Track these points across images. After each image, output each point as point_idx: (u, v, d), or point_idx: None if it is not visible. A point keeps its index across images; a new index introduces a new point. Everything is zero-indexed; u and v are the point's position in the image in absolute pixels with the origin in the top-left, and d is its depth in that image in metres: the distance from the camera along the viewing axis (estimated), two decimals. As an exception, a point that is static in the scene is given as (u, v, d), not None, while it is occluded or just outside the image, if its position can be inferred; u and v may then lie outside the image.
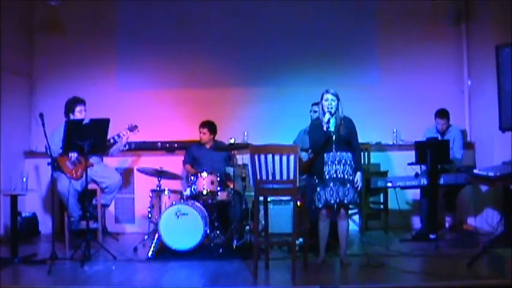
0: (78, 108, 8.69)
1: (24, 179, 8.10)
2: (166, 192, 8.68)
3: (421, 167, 9.05)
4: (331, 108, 7.24)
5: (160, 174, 8.77)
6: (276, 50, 10.43)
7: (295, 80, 10.29)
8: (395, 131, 10.13)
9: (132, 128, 8.92)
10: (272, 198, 8.05)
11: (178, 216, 8.20)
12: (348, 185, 7.24)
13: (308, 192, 7.65)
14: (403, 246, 8.43)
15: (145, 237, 8.81)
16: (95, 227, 8.68)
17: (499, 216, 8.82)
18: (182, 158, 9.73)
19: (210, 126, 9.55)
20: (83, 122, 8.06)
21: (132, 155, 10.29)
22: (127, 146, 9.15)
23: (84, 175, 8.11)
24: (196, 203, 8.49)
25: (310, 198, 7.51)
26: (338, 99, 7.30)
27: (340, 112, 7.33)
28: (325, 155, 7.28)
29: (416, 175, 8.95)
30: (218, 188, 8.64)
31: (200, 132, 9.56)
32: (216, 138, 9.64)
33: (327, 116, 7.23)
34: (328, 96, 7.28)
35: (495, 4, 9.18)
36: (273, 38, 10.47)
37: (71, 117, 8.63)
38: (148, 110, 10.28)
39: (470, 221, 9.93)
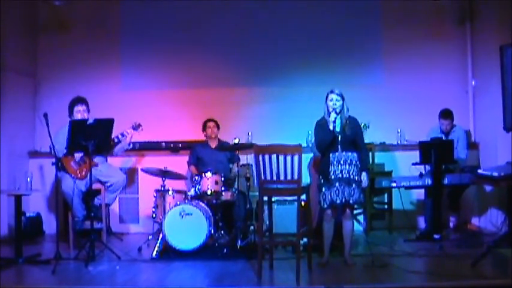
0: (76, 109, 8.63)
1: (28, 179, 8.15)
2: (170, 192, 8.69)
3: (425, 167, 9.04)
4: (337, 107, 7.25)
5: (164, 174, 8.77)
6: (280, 50, 10.44)
7: (299, 80, 10.29)
8: (399, 131, 10.13)
9: (136, 127, 8.89)
10: (276, 198, 8.05)
11: (182, 216, 8.21)
12: (354, 185, 7.25)
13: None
14: (408, 246, 8.43)
15: (150, 237, 8.83)
16: (99, 227, 8.66)
17: (503, 217, 8.80)
18: (186, 157, 9.73)
19: (216, 121, 9.58)
20: (87, 122, 8.07)
21: (136, 155, 10.30)
22: (131, 145, 9.13)
23: (88, 175, 8.11)
24: (201, 203, 8.50)
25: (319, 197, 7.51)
26: (343, 99, 7.32)
27: (345, 112, 7.34)
28: (330, 155, 7.30)
29: (421, 175, 8.95)
30: (222, 188, 8.63)
31: (208, 127, 9.54)
32: (219, 138, 9.65)
33: (333, 115, 7.23)
34: (333, 96, 7.29)
35: (499, 4, 9.16)
36: (277, 38, 10.47)
37: (73, 117, 8.63)
38: (153, 109, 10.29)
39: (475, 221, 9.92)
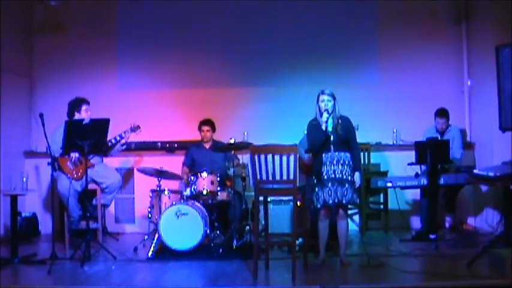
0: (84, 107, 8.71)
1: (24, 179, 8.12)
2: (166, 192, 8.68)
3: (421, 167, 9.06)
4: (328, 108, 7.24)
5: (160, 174, 8.76)
6: (276, 50, 10.44)
7: (295, 80, 10.29)
8: (395, 131, 10.12)
9: (134, 129, 8.91)
10: (272, 198, 8.05)
11: (178, 216, 8.20)
12: (347, 185, 7.23)
13: (308, 192, 7.64)
14: (403, 246, 8.43)
15: (145, 237, 8.81)
16: (95, 227, 8.68)
17: (499, 216, 8.82)
18: (182, 158, 9.71)
19: (212, 124, 9.58)
20: (83, 122, 8.07)
21: (132, 155, 10.29)
22: (125, 146, 9.13)
23: (84, 175, 8.11)
24: (197, 203, 8.50)
25: (310, 198, 7.50)
26: (334, 98, 7.30)
27: (337, 111, 7.34)
28: (323, 155, 7.29)
29: (417, 175, 8.95)
30: (218, 188, 8.64)
31: (202, 131, 9.55)
32: (215, 138, 9.64)
33: (325, 115, 7.22)
34: (324, 97, 7.28)
35: (495, 4, 9.18)
36: (273, 38, 10.48)
37: (77, 116, 8.63)
38: (149, 110, 10.28)
39: (470, 221, 9.93)
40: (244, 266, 7.51)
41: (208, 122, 9.57)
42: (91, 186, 8.55)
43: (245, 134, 10.03)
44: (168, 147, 10.29)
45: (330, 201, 7.22)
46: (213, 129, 9.59)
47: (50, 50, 10.65)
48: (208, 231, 8.33)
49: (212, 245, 8.26)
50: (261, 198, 7.35)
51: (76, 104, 8.75)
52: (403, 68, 10.31)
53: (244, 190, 8.92)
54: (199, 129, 9.57)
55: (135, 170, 10.03)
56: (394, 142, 10.16)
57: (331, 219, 7.46)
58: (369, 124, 9.45)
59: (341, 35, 10.44)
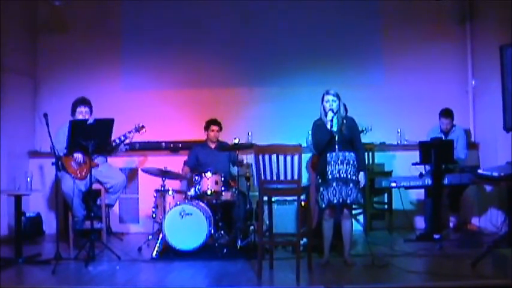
0: (78, 110, 8.64)
1: (28, 179, 8.14)
2: (170, 192, 8.68)
3: (425, 167, 9.03)
4: (333, 108, 7.24)
5: (164, 174, 8.76)
6: (280, 51, 10.44)
7: (299, 80, 10.29)
8: (399, 131, 10.12)
9: (139, 129, 8.88)
10: (276, 198, 8.05)
11: (182, 216, 8.20)
12: (351, 185, 7.23)
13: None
14: (408, 246, 8.43)
15: (150, 237, 8.82)
16: (99, 227, 8.66)
17: (503, 217, 8.80)
18: (186, 158, 9.71)
19: (220, 124, 9.58)
20: (87, 122, 8.07)
21: (137, 155, 10.29)
22: (127, 147, 9.11)
23: (88, 175, 8.11)
24: (201, 203, 8.49)
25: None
26: (339, 98, 7.31)
27: (341, 111, 7.34)
28: (328, 154, 7.29)
29: (421, 175, 8.94)
30: (222, 188, 8.62)
31: (211, 131, 9.54)
32: (219, 138, 9.64)
33: (330, 114, 7.22)
34: (329, 97, 7.28)
35: (499, 4, 9.16)
36: (277, 39, 10.48)
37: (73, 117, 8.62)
38: (153, 110, 10.27)
39: (475, 221, 9.92)
40: (248, 266, 7.51)
41: (217, 122, 9.57)
42: (95, 186, 8.54)
43: (249, 134, 10.05)
44: (172, 147, 10.30)
45: (335, 201, 7.22)
46: (220, 129, 9.59)
47: (54, 50, 10.65)
48: (212, 231, 8.33)
49: (216, 245, 8.25)
50: (265, 198, 7.35)
51: (73, 106, 8.70)
52: (407, 68, 10.30)
53: (249, 190, 8.93)
54: (207, 128, 9.56)
55: (139, 170, 10.05)
56: (399, 142, 10.15)
57: (336, 219, 7.46)
58: (373, 124, 9.42)
59: (345, 35, 10.44)
